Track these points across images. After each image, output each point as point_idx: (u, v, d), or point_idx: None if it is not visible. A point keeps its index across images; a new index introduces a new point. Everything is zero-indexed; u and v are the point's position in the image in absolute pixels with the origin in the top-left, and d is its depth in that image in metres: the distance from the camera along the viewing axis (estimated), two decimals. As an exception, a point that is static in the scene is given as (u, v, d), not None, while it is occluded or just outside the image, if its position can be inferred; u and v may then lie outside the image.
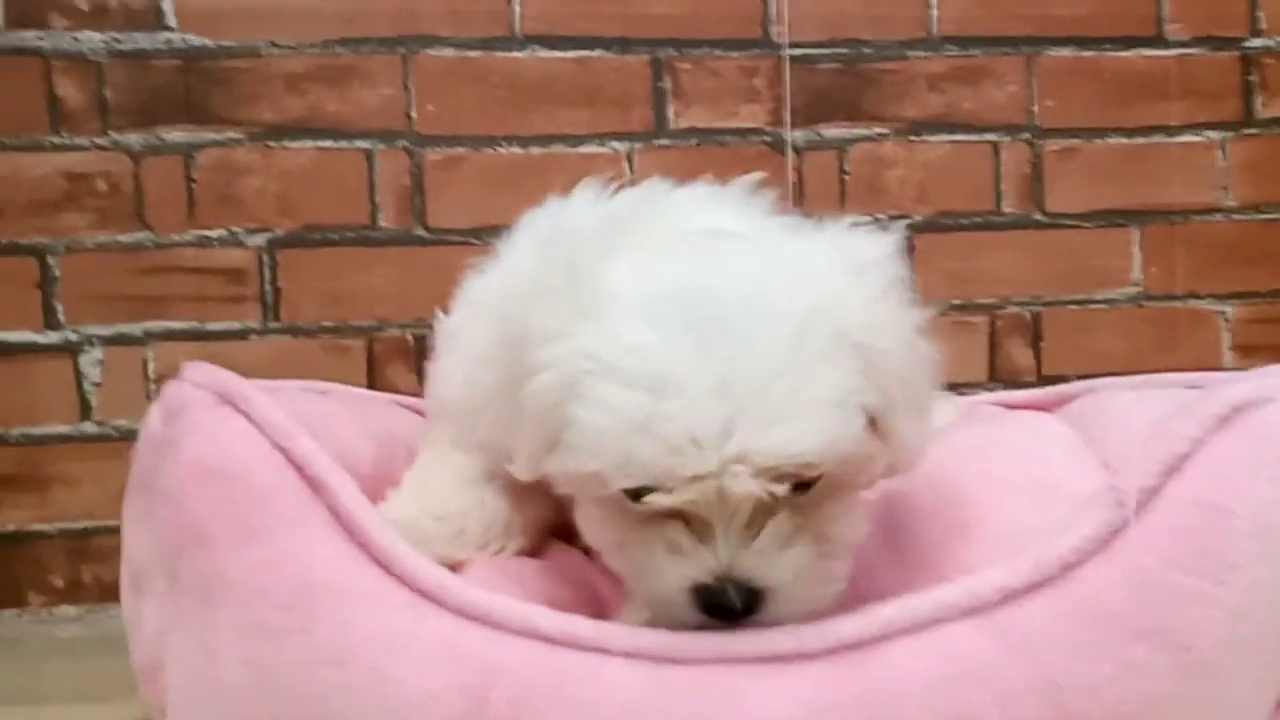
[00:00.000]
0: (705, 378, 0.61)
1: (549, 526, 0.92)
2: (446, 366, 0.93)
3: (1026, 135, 1.59)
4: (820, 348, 0.64)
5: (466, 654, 0.67)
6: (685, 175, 0.90)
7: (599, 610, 0.82)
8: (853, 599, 0.81)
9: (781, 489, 0.63)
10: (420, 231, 1.49)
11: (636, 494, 0.65)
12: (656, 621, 0.67)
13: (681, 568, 0.65)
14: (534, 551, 0.91)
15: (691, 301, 0.64)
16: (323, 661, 0.66)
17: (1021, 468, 0.85)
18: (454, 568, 0.81)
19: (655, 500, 0.64)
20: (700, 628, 0.66)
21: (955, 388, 1.57)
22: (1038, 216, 1.60)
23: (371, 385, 1.46)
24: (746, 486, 0.62)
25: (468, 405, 0.85)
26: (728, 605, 0.65)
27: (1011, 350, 1.59)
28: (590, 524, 0.73)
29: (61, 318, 1.43)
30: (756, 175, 0.83)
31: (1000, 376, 1.59)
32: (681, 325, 0.63)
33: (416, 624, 0.68)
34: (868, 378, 0.65)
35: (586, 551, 0.93)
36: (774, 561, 0.65)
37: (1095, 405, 1.01)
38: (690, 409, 0.61)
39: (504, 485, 0.86)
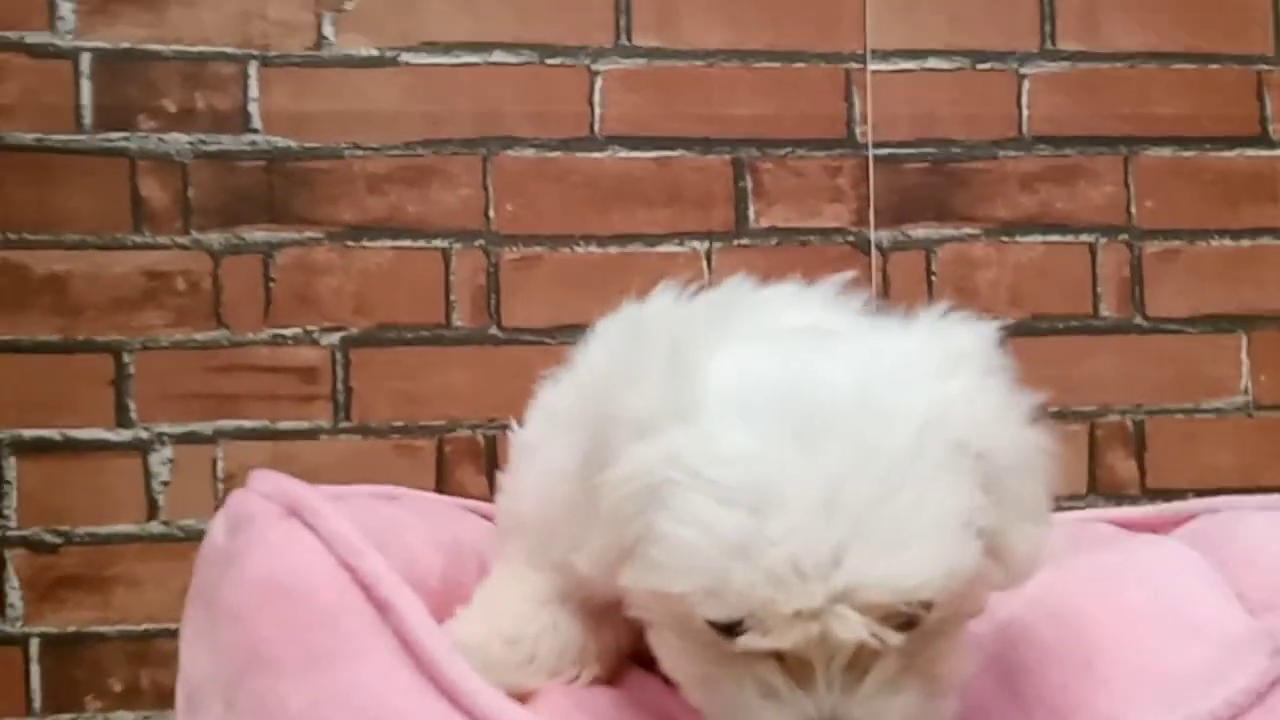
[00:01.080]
0: (813, 493, 0.54)
1: (627, 652, 0.86)
2: (521, 481, 0.88)
3: (1125, 236, 1.53)
4: (939, 457, 0.57)
5: (543, 802, 0.61)
6: (766, 275, 0.85)
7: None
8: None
9: (893, 636, 0.56)
10: (495, 331, 1.47)
11: (728, 628, 0.57)
12: None
13: (778, 715, 0.58)
14: (610, 679, 0.85)
15: (796, 403, 0.57)
16: (386, 807, 0.60)
17: (1156, 600, 0.77)
18: (525, 696, 0.75)
19: (749, 642, 0.57)
20: None
21: (1054, 500, 1.48)
22: (1139, 320, 1.52)
23: (440, 486, 1.42)
24: (855, 631, 0.54)
25: (543, 523, 0.79)
26: None
27: (1113, 461, 1.51)
28: (669, 653, 0.66)
29: (134, 415, 1.42)
30: (847, 274, 0.78)
31: (1101, 489, 1.50)
32: (786, 432, 0.56)
33: (489, 767, 0.61)
34: (988, 491, 0.58)
35: (667, 681, 0.86)
36: (879, 712, 0.57)
37: (1220, 527, 0.92)
38: (797, 531, 0.54)
39: (580, 608, 0.80)
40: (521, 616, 0.80)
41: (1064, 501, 1.49)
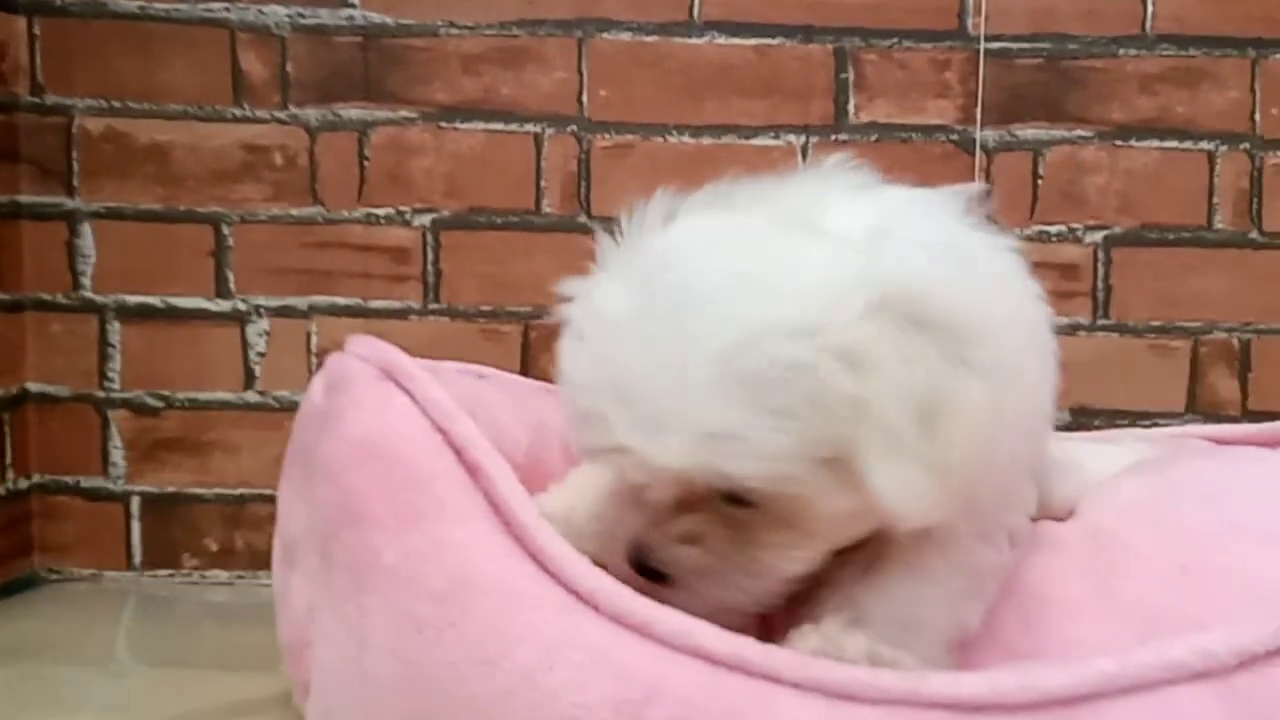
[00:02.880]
0: (629, 362, 0.61)
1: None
2: None
3: (1246, 145, 1.44)
4: (742, 335, 0.59)
5: (624, 668, 0.62)
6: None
7: (760, 630, 0.76)
8: (1047, 638, 0.72)
9: (667, 492, 0.63)
10: (583, 219, 1.45)
11: None
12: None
13: (624, 519, 0.67)
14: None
15: (669, 278, 0.62)
16: (473, 661, 0.62)
17: (1259, 514, 0.74)
18: (604, 567, 0.76)
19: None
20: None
21: (1150, 417, 1.44)
22: (1254, 235, 1.45)
23: (524, 371, 1.43)
24: (638, 476, 0.63)
25: None
26: (643, 568, 0.66)
27: (1215, 380, 1.45)
28: None
29: (232, 287, 1.45)
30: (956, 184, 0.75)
31: (1200, 408, 1.45)
32: (640, 305, 0.62)
33: (573, 631, 0.63)
34: (816, 411, 0.58)
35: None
36: (673, 553, 0.65)
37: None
38: (600, 390, 0.62)
39: None
40: (604, 494, 0.81)
41: (1160, 419, 1.46)
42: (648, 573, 0.66)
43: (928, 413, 0.59)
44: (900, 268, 0.62)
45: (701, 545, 0.65)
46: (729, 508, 0.64)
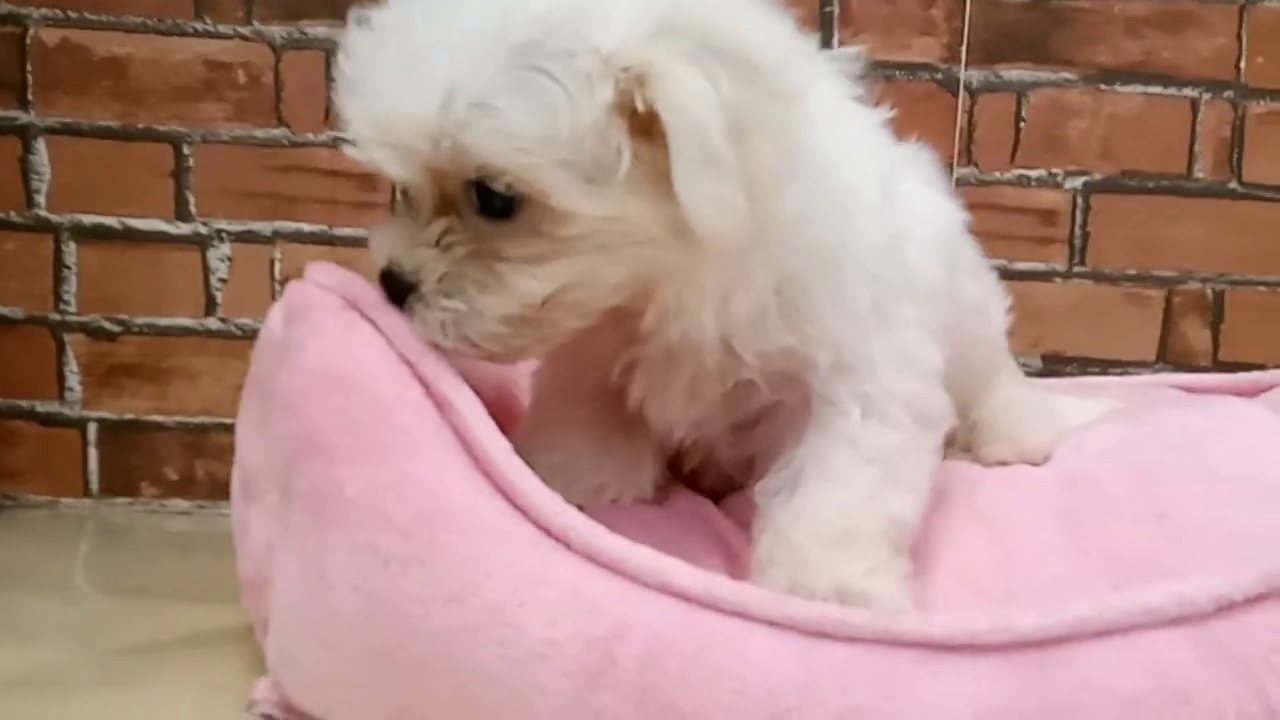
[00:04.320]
0: (374, 58, 0.66)
1: (664, 471, 0.86)
2: None
3: (1230, 94, 1.43)
4: (477, 31, 0.62)
5: (595, 604, 0.61)
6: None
7: (733, 569, 0.75)
8: (1021, 581, 0.72)
9: (413, 162, 0.64)
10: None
11: None
12: None
13: (376, 239, 0.70)
14: (657, 499, 0.85)
15: None
16: (440, 598, 0.60)
17: (1234, 461, 0.74)
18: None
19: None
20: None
21: (1120, 365, 1.44)
22: (1233, 185, 1.44)
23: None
24: (386, 163, 0.66)
25: None
26: (385, 283, 0.69)
27: (1187, 330, 1.45)
28: None
29: (193, 209, 1.40)
30: None
31: (1170, 358, 1.45)
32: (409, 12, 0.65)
33: (543, 567, 0.61)
34: (576, 114, 0.61)
35: (714, 499, 0.86)
36: (418, 257, 0.67)
37: (1303, 398, 0.89)
38: (352, 83, 0.68)
39: (611, 419, 0.81)
40: (565, 437, 0.80)
41: (1130, 367, 1.46)
42: (395, 294, 0.68)
43: (734, 128, 0.61)
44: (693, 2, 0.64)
45: (449, 253, 0.66)
46: (481, 221, 0.66)
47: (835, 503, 0.69)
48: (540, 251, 0.65)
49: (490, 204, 0.65)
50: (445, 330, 0.66)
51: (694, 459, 0.85)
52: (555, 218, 0.64)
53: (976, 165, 1.43)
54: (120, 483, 1.44)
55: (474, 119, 0.61)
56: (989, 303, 0.95)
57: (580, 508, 0.68)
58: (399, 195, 0.70)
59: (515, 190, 0.63)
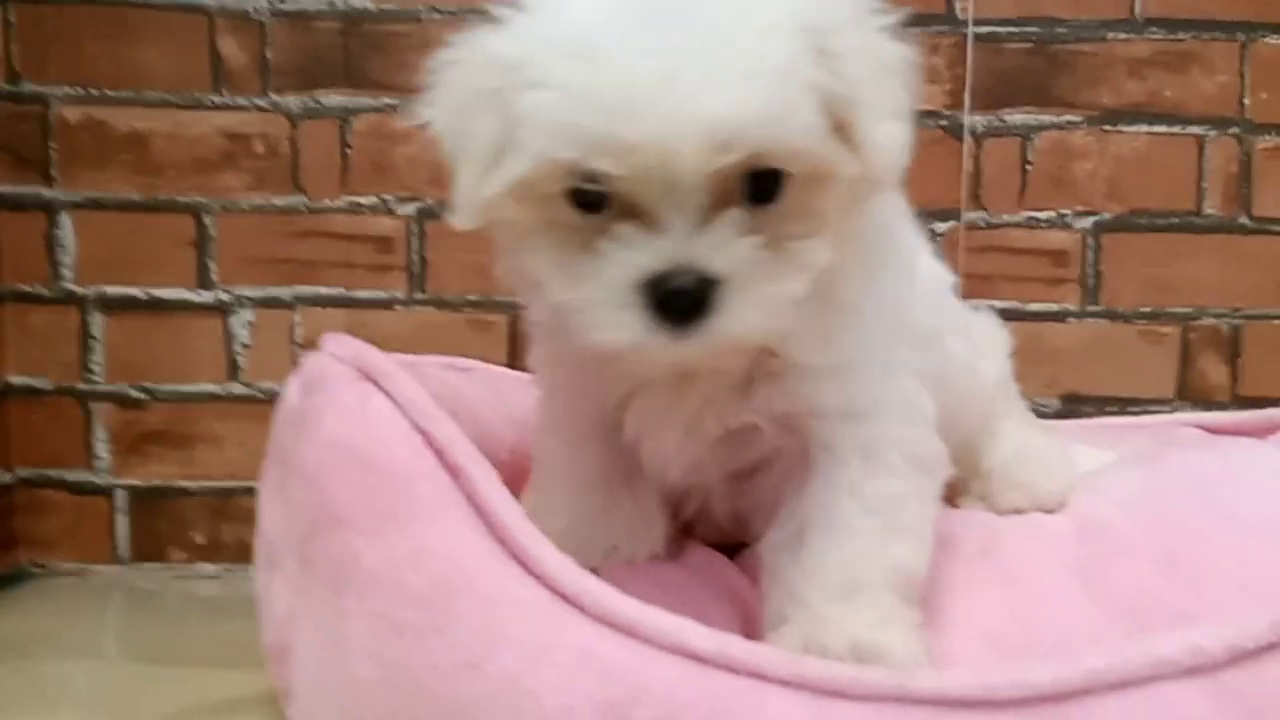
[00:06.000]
0: (643, 44, 0.60)
1: (677, 526, 0.86)
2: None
3: (1236, 130, 1.44)
4: (766, 21, 0.62)
5: (609, 668, 0.61)
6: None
7: (747, 624, 0.75)
8: (1036, 629, 0.72)
9: (729, 159, 0.60)
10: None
11: (584, 197, 0.63)
12: (605, 337, 0.63)
13: (631, 255, 0.62)
14: (672, 553, 0.85)
15: None
16: (457, 665, 0.61)
17: (1250, 506, 0.74)
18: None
19: (605, 185, 0.62)
20: (651, 337, 0.62)
21: (1138, 403, 1.44)
22: (1243, 220, 1.44)
23: (512, 362, 1.41)
24: (691, 159, 0.60)
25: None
26: (681, 290, 0.61)
27: (1205, 366, 1.45)
28: (538, 262, 0.67)
29: (214, 277, 1.43)
30: None
31: (1189, 395, 1.45)
32: (627, 5, 0.62)
33: (556, 632, 0.62)
34: (822, 63, 0.63)
35: (729, 555, 0.86)
36: (726, 248, 0.62)
37: (1319, 436, 0.89)
38: (625, 70, 0.60)
39: (617, 476, 0.81)
40: (572, 502, 0.81)
41: (1150, 405, 1.45)
42: (673, 305, 0.61)
43: (891, 73, 0.66)
44: None
45: (742, 243, 0.63)
46: (753, 208, 0.63)
47: (841, 556, 0.69)
48: (811, 226, 0.65)
49: (764, 189, 0.64)
50: (762, 317, 0.64)
51: (690, 508, 0.85)
52: (817, 190, 0.65)
53: (985, 209, 1.44)
54: (149, 548, 1.46)
55: (770, 127, 0.61)
56: (977, 361, 0.94)
57: (594, 570, 0.69)
58: (608, 208, 0.63)
59: (787, 170, 0.63)
